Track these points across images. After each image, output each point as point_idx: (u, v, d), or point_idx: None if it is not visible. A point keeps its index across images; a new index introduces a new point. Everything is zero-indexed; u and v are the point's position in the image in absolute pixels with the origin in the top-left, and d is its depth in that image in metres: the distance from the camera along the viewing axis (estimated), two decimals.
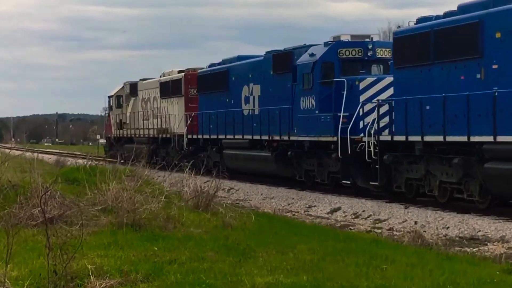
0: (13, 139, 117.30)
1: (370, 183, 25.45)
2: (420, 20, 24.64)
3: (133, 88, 51.73)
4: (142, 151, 35.07)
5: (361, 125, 25.87)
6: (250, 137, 33.73)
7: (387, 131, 24.95)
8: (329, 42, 28.89)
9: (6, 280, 9.67)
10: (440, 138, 22.15)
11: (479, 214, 20.00)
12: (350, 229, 20.01)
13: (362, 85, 26.68)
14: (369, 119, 25.69)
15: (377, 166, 24.78)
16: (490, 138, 20.24)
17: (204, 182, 20.75)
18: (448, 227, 18.76)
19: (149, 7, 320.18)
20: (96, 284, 10.04)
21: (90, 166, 26.14)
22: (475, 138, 20.82)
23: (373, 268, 11.49)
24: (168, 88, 44.78)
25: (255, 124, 33.36)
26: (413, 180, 23.94)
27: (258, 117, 33.22)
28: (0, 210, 15.81)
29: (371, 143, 24.93)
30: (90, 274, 10.25)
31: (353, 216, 22.21)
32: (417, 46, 23.96)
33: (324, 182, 28.83)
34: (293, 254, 12.88)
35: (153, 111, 46.87)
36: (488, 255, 15.33)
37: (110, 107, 56.73)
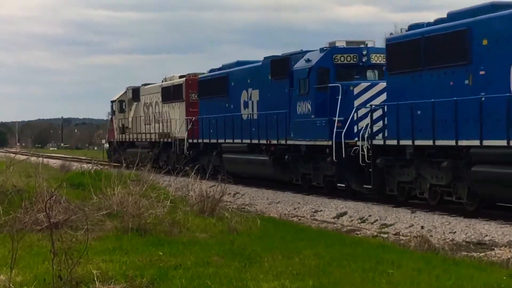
0: (18, 144, 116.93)
1: (364, 186, 25.46)
2: (411, 27, 24.71)
3: (136, 93, 51.63)
4: (145, 155, 34.99)
5: (355, 130, 25.87)
6: (248, 141, 33.65)
7: (380, 135, 24.93)
8: (325, 48, 28.90)
9: (11, 285, 9.69)
10: (429, 142, 22.20)
11: (486, 219, 19.79)
12: (356, 233, 19.87)
13: (356, 90, 26.65)
14: (363, 123, 25.69)
15: (370, 170, 24.74)
16: (477, 142, 20.35)
17: (210, 187, 20.56)
18: (455, 232, 18.63)
19: (154, 11, 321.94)
20: None
21: (95, 171, 26.02)
22: (462, 142, 20.94)
23: (379, 273, 11.36)
24: (170, 93, 44.72)
25: (253, 129, 33.30)
26: (405, 183, 23.97)
27: (256, 121, 33.18)
28: (5, 215, 15.63)
29: (365, 147, 24.88)
30: (95, 279, 10.08)
31: (359, 221, 22.03)
32: (409, 53, 24.04)
33: (320, 186, 28.75)
34: (299, 259, 12.73)
35: (154, 115, 46.81)
36: (495, 260, 15.15)
37: (113, 112, 56.60)
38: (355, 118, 26.01)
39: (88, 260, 10.94)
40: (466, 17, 21.88)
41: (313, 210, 24.69)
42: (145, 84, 51.15)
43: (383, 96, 25.58)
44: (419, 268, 11.87)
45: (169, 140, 43.03)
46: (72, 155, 73.90)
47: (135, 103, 51.59)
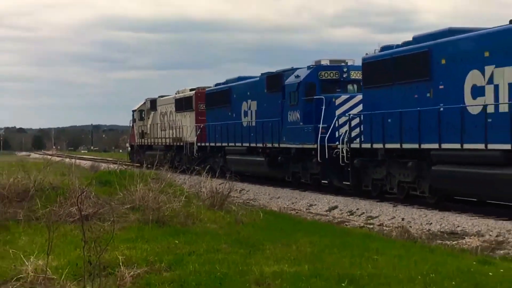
0: (54, 147, 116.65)
1: (344, 182, 25.50)
2: (383, 48, 24.60)
3: (153, 103, 51.36)
4: (161, 157, 34.86)
5: (336, 135, 25.74)
6: (248, 144, 33.50)
7: (357, 140, 24.92)
8: (311, 66, 28.81)
9: (47, 269, 9.46)
10: (397, 146, 22.23)
11: (458, 212, 19.45)
12: (346, 224, 19.64)
13: (337, 102, 26.50)
14: (343, 130, 25.53)
15: (349, 169, 24.79)
16: (436, 146, 20.47)
17: (219, 184, 20.39)
18: (431, 223, 18.35)
19: (169, 32, 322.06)
20: (125, 273, 9.69)
21: (120, 170, 25.73)
22: (425, 146, 21.00)
23: (365, 259, 11.10)
24: (182, 104, 44.48)
25: (252, 134, 33.16)
26: (378, 180, 23.96)
27: (254, 128, 33.02)
28: (43, 209, 15.52)
29: (344, 149, 24.84)
30: (120, 264, 9.99)
31: (348, 214, 21.74)
32: (381, 70, 23.96)
33: (308, 182, 28.68)
34: (296, 246, 12.44)
35: (169, 123, 46.58)
36: (466, 247, 14.89)
37: (134, 120, 56.32)
38: (336, 125, 25.87)
39: (114, 247, 10.74)
40: (428, 40, 21.94)
41: (308, 204, 24.40)
42: (161, 96, 50.93)
43: (360, 107, 25.41)
44: (400, 255, 11.64)
45: (181, 143, 42.88)
46: (100, 157, 73.35)
47: (152, 112, 51.31)
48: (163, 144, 46.59)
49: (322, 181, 27.22)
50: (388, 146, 22.68)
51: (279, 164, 30.45)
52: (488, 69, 18.78)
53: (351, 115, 25.30)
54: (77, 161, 41.54)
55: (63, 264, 10.17)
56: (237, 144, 34.36)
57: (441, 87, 20.71)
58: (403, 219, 19.36)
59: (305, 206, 24.14)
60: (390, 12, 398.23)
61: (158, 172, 21.97)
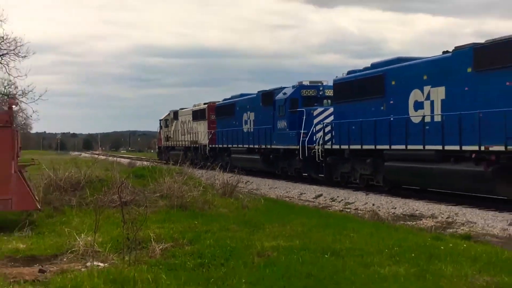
0: (99, 148, 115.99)
1: (319, 175, 25.45)
2: (349, 72, 24.56)
3: (175, 114, 50.93)
4: (182, 156, 34.67)
5: (314, 138, 25.55)
6: (247, 146, 33.19)
7: (329, 142, 24.70)
8: (295, 85, 28.62)
9: (95, 243, 9.35)
10: (359, 147, 22.13)
11: (417, 199, 18.94)
12: (329, 209, 19.23)
13: (315, 113, 26.27)
14: (319, 135, 25.37)
15: (323, 165, 24.75)
16: (387, 147, 20.41)
17: (229, 177, 19.96)
18: (396, 208, 17.98)
19: (190, 57, 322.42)
20: (156, 247, 9.56)
21: (151, 166, 25.33)
22: (379, 147, 20.96)
23: (344, 236, 11.03)
24: (197, 115, 44.06)
25: (250, 138, 32.81)
26: (345, 173, 23.82)
27: (252, 133, 32.68)
28: (91, 196, 15.32)
29: (320, 150, 24.71)
30: (152, 240, 9.85)
31: (331, 200, 21.31)
32: (347, 89, 23.77)
33: (292, 175, 28.46)
34: (289, 226, 12.29)
35: (187, 129, 46.18)
36: (423, 226, 14.69)
37: (161, 127, 55.89)
38: (314, 131, 25.69)
39: (147, 227, 10.60)
40: (382, 66, 21.93)
41: (299, 193, 23.99)
42: (182, 108, 50.47)
43: (332, 117, 25.18)
44: (371, 233, 11.54)
45: (197, 145, 42.50)
46: (136, 156, 72.99)
47: (175, 121, 50.90)
48: (183, 145, 46.13)
49: (303, 174, 27.19)
50: (352, 147, 22.54)
51: (271, 161, 30.26)
52: (426, 88, 18.90)
53: (325, 123, 25.11)
54: (118, 159, 41.31)
55: (107, 240, 10.04)
56: (239, 146, 34.09)
57: (391, 102, 20.63)
58: (373, 204, 19.00)
59: (296, 195, 23.75)
60: (363, 42, 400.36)
61: (181, 168, 21.63)
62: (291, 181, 27.77)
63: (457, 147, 16.88)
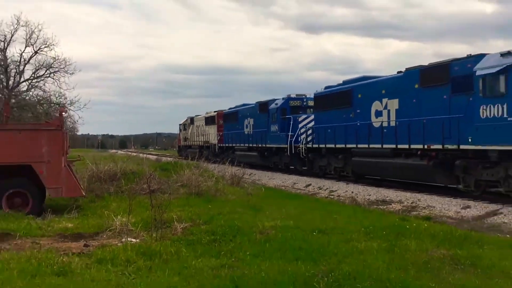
0: (132, 147, 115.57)
1: (303, 168, 25.24)
2: (326, 87, 24.31)
3: (192, 120, 50.44)
4: (198, 153, 34.47)
5: (299, 139, 25.21)
6: (247, 145, 32.73)
7: (311, 142, 24.34)
8: (285, 97, 28.31)
9: (129, 223, 9.21)
10: (333, 146, 21.88)
11: (387, 187, 18.42)
12: (316, 195, 18.93)
13: (300, 119, 25.88)
14: (303, 136, 25.00)
15: (306, 159, 24.53)
16: (354, 146, 20.23)
17: (236, 170, 19.70)
18: (370, 195, 17.57)
19: (206, 74, 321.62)
20: (177, 226, 9.28)
21: (174, 162, 25.12)
22: (348, 145, 20.71)
23: (329, 217, 10.81)
24: (209, 120, 43.51)
25: (250, 138, 32.35)
26: (322, 166, 23.55)
27: (251, 135, 32.21)
28: (126, 185, 15.13)
29: (303, 148, 24.50)
30: (174, 220, 9.53)
31: (318, 189, 20.82)
32: (324, 100, 23.49)
33: (283, 168, 28.13)
34: (285, 209, 12.01)
35: (201, 132, 45.71)
36: (392, 210, 14.27)
37: (180, 130, 55.47)
38: (299, 133, 25.35)
39: (170, 210, 10.36)
40: (351, 83, 21.78)
41: (293, 183, 23.54)
42: (197, 115, 49.92)
43: (313, 122, 24.84)
44: (350, 215, 11.41)
45: (208, 145, 42.04)
46: (161, 153, 72.62)
47: (191, 125, 50.43)
48: (198, 145, 45.63)
49: (290, 167, 26.95)
50: (328, 146, 22.31)
51: (266, 157, 29.92)
52: (384, 100, 18.77)
53: (307, 127, 24.86)
54: (147, 155, 41.24)
55: (138, 220, 9.74)
56: (241, 145, 33.67)
57: (358, 111, 20.39)
58: (352, 192, 18.65)
59: (290, 184, 23.35)
60: (344, 62, 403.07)
61: (197, 162, 21.42)
62: (286, 173, 27.37)
63: (407, 146, 16.91)
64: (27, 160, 11.81)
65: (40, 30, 34.64)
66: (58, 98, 36.12)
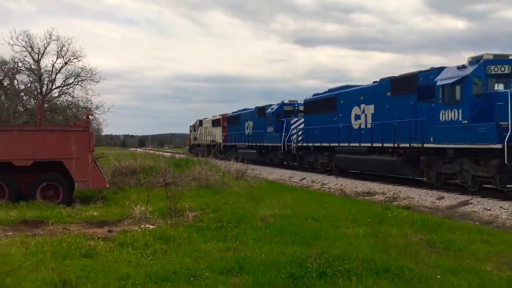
0: (150, 145, 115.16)
1: (294, 163, 25.10)
2: (314, 94, 24.13)
3: (200, 122, 50.22)
4: (206, 151, 34.31)
5: (291, 139, 25.05)
6: (248, 144, 32.50)
7: (301, 142, 24.20)
8: (279, 103, 28.08)
9: (146, 212, 9.04)
10: (319, 144, 21.76)
11: (371, 181, 18.09)
12: (310, 188, 18.73)
13: (292, 122, 25.68)
14: (294, 136, 24.87)
15: (296, 156, 24.47)
16: (337, 144, 20.13)
17: (240, 166, 19.50)
18: (357, 187, 17.36)
19: (213, 82, 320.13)
20: (189, 214, 9.16)
21: (186, 158, 24.93)
22: (332, 144, 20.60)
23: (320, 206, 10.67)
24: (215, 122, 43.20)
25: (250, 138, 32.14)
26: (310, 162, 23.45)
27: (251, 135, 31.98)
28: (144, 179, 15.05)
29: (294, 146, 24.36)
30: (186, 209, 9.43)
31: (311, 182, 20.59)
32: (312, 106, 23.31)
33: (277, 163, 27.88)
34: (283, 200, 11.85)
35: (208, 132, 45.49)
36: (376, 200, 14.08)
37: (190, 131, 55.32)
38: (291, 134, 25.18)
39: (183, 200, 10.28)
40: (335, 91, 21.70)
41: (289, 177, 23.27)
42: (205, 118, 49.60)
43: (303, 125, 24.67)
44: (340, 204, 11.28)
45: (215, 144, 41.74)
46: (175, 151, 72.32)
47: (200, 127, 50.19)
48: (206, 144, 45.32)
49: (284, 162, 26.77)
50: (315, 144, 22.20)
51: (263, 154, 29.69)
52: (362, 106, 18.76)
53: (298, 129, 24.73)
54: (162, 153, 41.04)
55: (155, 209, 9.58)
56: (242, 143, 33.43)
57: (340, 115, 20.32)
58: (341, 185, 18.41)
59: (287, 178, 23.12)
60: (334, 71, 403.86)
61: (206, 159, 21.31)
62: (283, 168, 27.08)
63: (380, 144, 17.01)
64: (59, 157, 11.70)
65: (69, 44, 34.87)
66: (85, 103, 36.08)
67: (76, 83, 35.34)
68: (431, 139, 14.17)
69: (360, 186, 17.39)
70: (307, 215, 9.05)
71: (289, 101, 27.98)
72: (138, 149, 79.16)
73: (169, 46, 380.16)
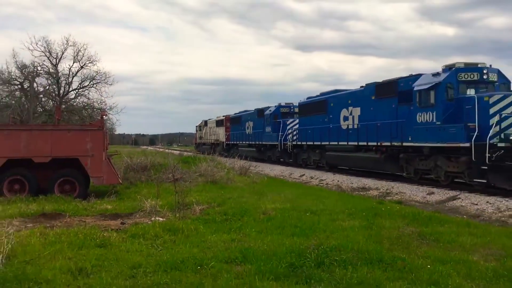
0: (160, 144, 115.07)
1: (290, 160, 25.09)
2: (307, 97, 24.07)
3: (205, 122, 50.05)
4: (211, 150, 34.24)
5: (287, 138, 25.04)
6: (248, 142, 32.48)
7: (296, 140, 24.22)
8: (276, 105, 28.12)
9: (157, 205, 8.96)
10: (312, 143, 21.83)
11: (367, 177, 18.14)
12: (309, 183, 18.51)
13: (288, 122, 25.64)
14: (290, 136, 24.89)
15: (292, 154, 24.47)
16: (328, 143, 20.19)
17: (244, 163, 19.34)
18: (353, 183, 17.21)
19: (218, 85, 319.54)
20: (196, 207, 9.04)
21: (193, 156, 24.85)
22: (323, 143, 20.64)
23: (319, 201, 10.43)
24: (219, 123, 43.06)
25: (250, 137, 32.12)
26: (304, 159, 23.48)
27: (251, 134, 31.98)
28: (154, 175, 14.83)
29: (290, 145, 24.42)
30: (193, 203, 9.28)
31: (310, 178, 20.40)
32: (306, 108, 23.30)
33: (275, 160, 27.83)
34: (283, 195, 11.68)
35: (213, 132, 45.35)
36: (370, 195, 13.97)
37: (196, 130, 55.25)
38: (287, 133, 25.12)
39: (190, 195, 10.20)
40: (326, 94, 21.73)
41: (289, 173, 23.08)
42: (209, 119, 49.38)
43: (298, 125, 24.64)
44: (336, 199, 11.03)
45: (218, 142, 41.60)
46: (184, 149, 71.97)
47: (205, 127, 50.05)
48: (210, 142, 45.21)
49: (280, 159, 26.68)
50: (308, 143, 22.22)
51: (262, 151, 29.62)
52: (350, 108, 18.84)
53: (293, 129, 24.67)
54: (171, 151, 40.92)
55: (164, 203, 9.42)
56: (243, 142, 33.33)
57: (331, 116, 20.32)
58: (338, 181, 18.22)
59: (288, 174, 22.94)
60: (331, 75, 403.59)
61: (211, 156, 21.21)
62: (283, 165, 26.83)
63: (365, 143, 17.13)
64: (75, 154, 11.64)
65: (85, 49, 34.59)
66: (99, 104, 35.96)
67: (91, 85, 35.26)
68: (409, 138, 14.50)
69: (356, 182, 17.25)
70: (306, 208, 8.93)
71: (285, 103, 27.96)
72: (149, 147, 79.18)
73: (178, 51, 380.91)
